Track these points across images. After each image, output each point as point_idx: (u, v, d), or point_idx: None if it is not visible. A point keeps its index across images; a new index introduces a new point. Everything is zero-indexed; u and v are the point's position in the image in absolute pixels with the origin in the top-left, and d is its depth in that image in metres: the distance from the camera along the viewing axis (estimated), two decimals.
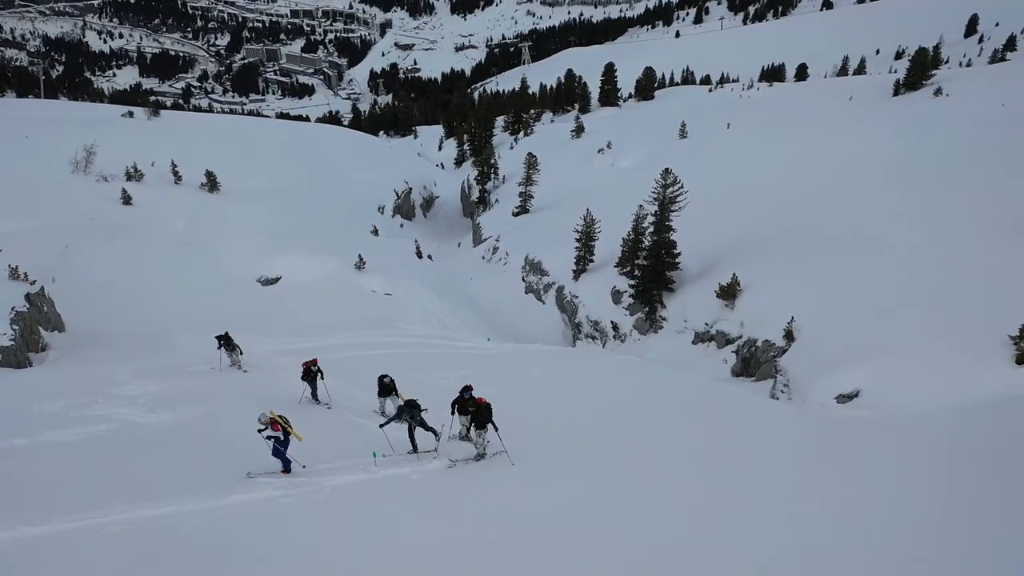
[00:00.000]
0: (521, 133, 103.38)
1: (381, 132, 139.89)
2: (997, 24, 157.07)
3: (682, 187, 38.94)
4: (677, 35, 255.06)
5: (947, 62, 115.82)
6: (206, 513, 12.70)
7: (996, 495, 14.85)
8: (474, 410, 16.23)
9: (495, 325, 45.27)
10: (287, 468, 14.58)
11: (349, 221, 56.16)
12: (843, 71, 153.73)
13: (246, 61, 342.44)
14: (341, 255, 43.95)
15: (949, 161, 43.99)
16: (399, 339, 32.15)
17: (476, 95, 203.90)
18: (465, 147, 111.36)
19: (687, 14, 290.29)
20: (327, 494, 14.02)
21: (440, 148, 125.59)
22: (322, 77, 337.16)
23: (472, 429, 16.55)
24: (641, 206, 40.88)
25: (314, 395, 20.81)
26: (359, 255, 43.18)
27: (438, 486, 15.00)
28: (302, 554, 11.56)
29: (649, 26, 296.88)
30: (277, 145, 70.50)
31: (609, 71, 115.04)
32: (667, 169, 39.27)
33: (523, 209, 63.78)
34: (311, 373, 20.47)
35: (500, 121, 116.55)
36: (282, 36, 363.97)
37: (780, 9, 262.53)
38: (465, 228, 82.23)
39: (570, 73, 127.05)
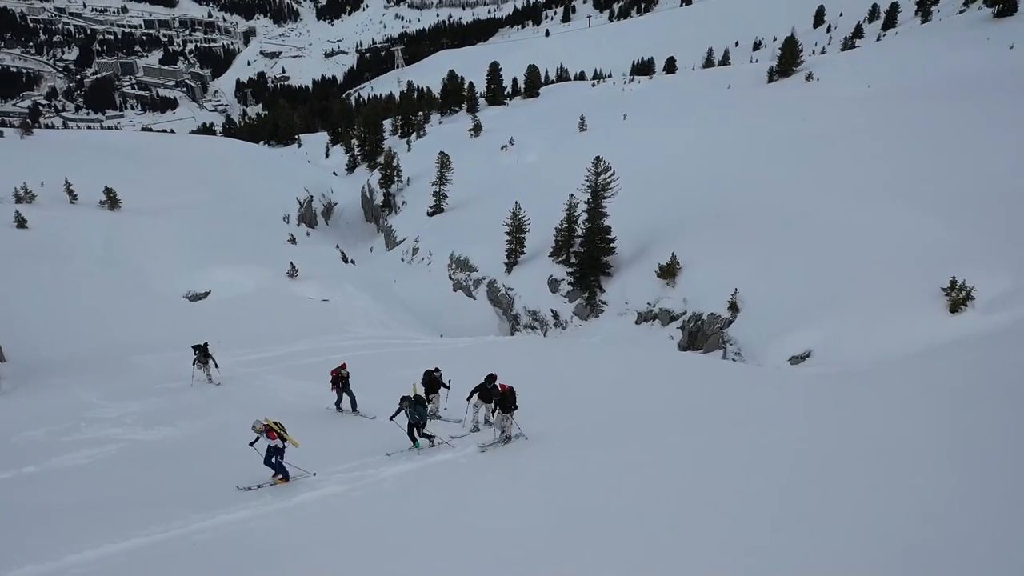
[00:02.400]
0: (414, 135, 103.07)
1: (261, 142, 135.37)
2: (841, 14, 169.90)
3: (614, 174, 40.34)
4: (547, 34, 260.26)
5: (801, 51, 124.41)
6: (283, 514, 12.46)
7: (968, 432, 16.10)
8: (499, 397, 16.45)
9: (429, 324, 45.25)
10: (286, 477, 13.97)
11: (262, 231, 54.38)
12: (709, 62, 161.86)
13: (99, 76, 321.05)
14: (269, 265, 42.63)
15: (836, 137, 47.68)
16: (357, 342, 31.89)
17: (352, 100, 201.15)
18: (356, 152, 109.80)
19: (555, 13, 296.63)
20: (391, 483, 14.01)
21: (327, 155, 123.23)
22: (185, 89, 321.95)
23: (498, 414, 16.75)
24: (572, 195, 41.99)
25: (350, 404, 19.67)
26: (291, 263, 42.09)
27: (491, 465, 15.23)
28: (405, 534, 11.65)
29: (519, 26, 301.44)
30: (169, 159, 67.07)
31: (494, 70, 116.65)
32: (598, 157, 40.57)
33: (438, 208, 63.76)
34: (341, 379, 19.34)
35: (387, 124, 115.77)
36: (137, 48, 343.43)
37: (643, 6, 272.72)
38: (369, 233, 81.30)
39: (452, 74, 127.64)
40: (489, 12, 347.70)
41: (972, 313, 25.34)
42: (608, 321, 39.82)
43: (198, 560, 10.72)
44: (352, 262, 56.10)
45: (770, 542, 10.71)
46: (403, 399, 15.78)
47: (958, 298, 25.56)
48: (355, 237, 79.01)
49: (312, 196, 78.19)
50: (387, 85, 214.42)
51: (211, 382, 23.71)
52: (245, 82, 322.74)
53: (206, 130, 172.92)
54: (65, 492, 13.71)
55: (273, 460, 13.83)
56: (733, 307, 32.22)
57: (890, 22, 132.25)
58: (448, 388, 18.20)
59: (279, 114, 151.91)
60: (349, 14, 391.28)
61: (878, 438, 15.54)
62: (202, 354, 23.41)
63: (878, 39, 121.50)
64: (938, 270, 27.06)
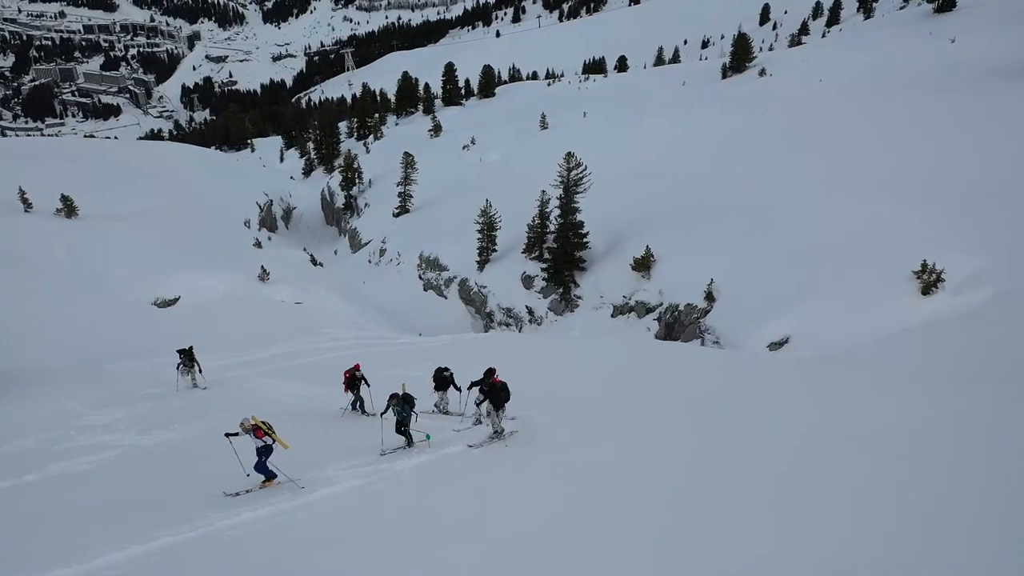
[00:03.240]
0: (371, 137, 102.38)
1: (213, 147, 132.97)
2: (786, 12, 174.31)
3: (586, 169, 40.67)
4: (498, 35, 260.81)
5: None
6: (307, 508, 12.34)
7: (955, 409, 16.33)
8: (487, 390, 16.28)
9: (400, 324, 45.01)
10: (270, 477, 13.62)
11: (226, 236, 53.38)
12: (660, 60, 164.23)
13: (37, 83, 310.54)
14: (237, 269, 41.92)
15: (796, 131, 48.78)
16: (338, 343, 31.62)
17: (303, 104, 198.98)
18: (312, 156, 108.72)
19: (505, 14, 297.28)
20: (410, 475, 13.98)
21: (282, 159, 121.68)
22: (128, 96, 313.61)
23: (488, 408, 16.49)
24: (544, 191, 42.20)
25: (360, 406, 18.93)
26: (262, 266, 41.47)
27: (502, 457, 15.24)
28: (430, 524, 11.63)
29: (469, 27, 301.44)
30: (124, 165, 65.54)
31: (450, 71, 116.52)
32: (570, 153, 40.86)
33: (403, 209, 63.46)
34: (355, 381, 18.70)
35: (342, 127, 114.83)
36: (77, 54, 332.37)
37: (592, 5, 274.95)
38: (330, 236, 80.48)
39: (407, 75, 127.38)
40: (439, 13, 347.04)
41: (943, 295, 26.23)
42: (584, 315, 40.13)
43: (231, 556, 10.59)
44: (320, 264, 55.56)
45: (794, 530, 10.69)
46: (392, 396, 15.65)
47: (929, 280, 26.46)
48: (316, 241, 78.08)
49: (272, 200, 77.21)
50: (338, 88, 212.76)
51: (196, 387, 23.30)
52: (191, 87, 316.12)
53: (154, 136, 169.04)
54: (74, 497, 13.43)
55: (262, 460, 13.48)
56: (709, 297, 32.79)
57: (834, 19, 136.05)
58: (459, 390, 18.04)
59: (230, 119, 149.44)
60: (296, 17, 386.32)
61: (875, 420, 15.82)
62: (187, 358, 22.98)
63: (823, 36, 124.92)
64: (908, 255, 27.94)
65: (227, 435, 13.51)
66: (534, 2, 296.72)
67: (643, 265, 36.83)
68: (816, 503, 11.45)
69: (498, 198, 48.07)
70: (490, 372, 16.57)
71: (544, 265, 42.88)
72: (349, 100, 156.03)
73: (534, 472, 14.43)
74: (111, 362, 26.89)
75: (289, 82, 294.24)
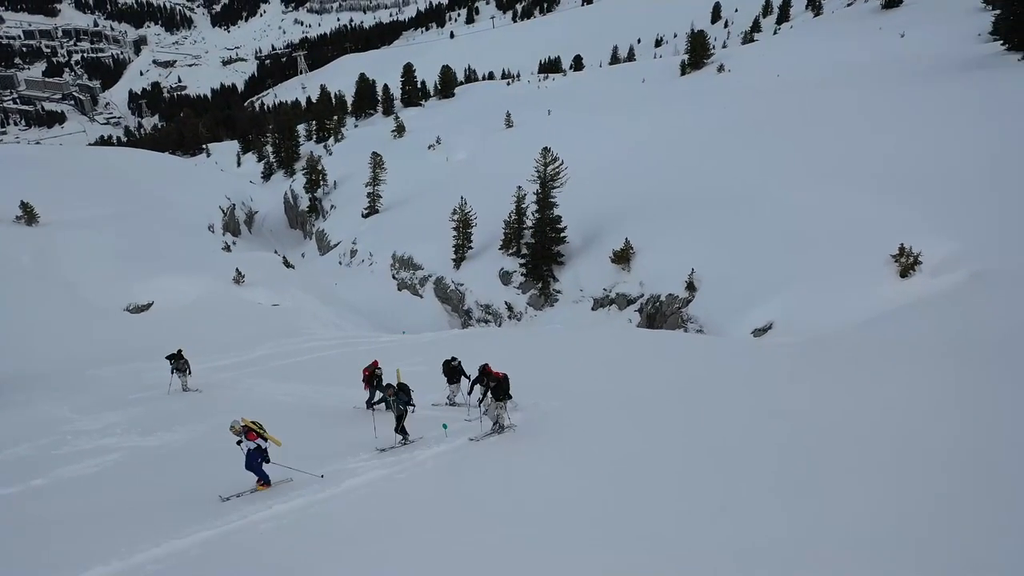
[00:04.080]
0: (332, 139, 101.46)
1: (167, 152, 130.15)
2: (737, 10, 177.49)
3: (562, 164, 40.87)
4: (452, 36, 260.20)
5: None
6: (336, 499, 12.26)
7: (947, 386, 16.58)
8: (495, 384, 16.20)
9: (376, 324, 44.70)
10: (267, 482, 13.22)
11: (192, 241, 52.46)
12: (615, 59, 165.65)
13: None
14: (209, 273, 41.26)
15: (762, 124, 49.67)
16: (323, 342, 31.34)
17: (256, 107, 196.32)
18: (271, 159, 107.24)
19: (459, 15, 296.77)
20: (432, 464, 13.97)
21: (239, 164, 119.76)
22: (73, 103, 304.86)
23: (491, 401, 16.41)
24: (520, 187, 42.30)
25: (371, 403, 18.28)
26: (237, 269, 40.81)
27: (521, 443, 15.30)
28: (459, 509, 11.70)
29: (423, 28, 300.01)
30: (81, 171, 63.83)
31: (408, 72, 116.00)
32: (547, 148, 41.04)
33: (373, 209, 62.98)
34: (374, 378, 18.22)
35: (300, 130, 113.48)
36: (17, 60, 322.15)
37: (546, 5, 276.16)
38: (295, 239, 79.53)
39: (364, 77, 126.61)
40: (391, 15, 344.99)
41: (921, 277, 27.01)
42: (564, 309, 40.32)
43: (273, 546, 10.48)
44: (292, 267, 54.91)
45: (803, 514, 10.51)
46: (387, 386, 15.57)
47: (907, 264, 27.22)
48: (281, 244, 77.11)
49: (234, 204, 76.02)
50: (291, 91, 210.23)
51: (187, 389, 22.93)
52: (139, 93, 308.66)
53: (104, 143, 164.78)
54: (91, 499, 13.23)
55: (257, 462, 13.09)
56: (691, 287, 33.21)
57: (784, 16, 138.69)
58: (469, 379, 17.96)
59: (184, 124, 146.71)
60: (246, 20, 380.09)
61: (872, 403, 16.03)
62: (178, 360, 22.61)
63: (775, 33, 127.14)
64: (885, 240, 28.65)
65: (238, 443, 13.11)
66: (487, 3, 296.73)
67: (623, 257, 37.16)
68: (823, 485, 11.37)
69: (469, 196, 48.00)
70: (484, 368, 16.33)
71: (522, 261, 43.00)
72: (303, 103, 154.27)
73: (549, 459, 14.46)
74: (92, 368, 26.28)
75: (241, 86, 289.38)
